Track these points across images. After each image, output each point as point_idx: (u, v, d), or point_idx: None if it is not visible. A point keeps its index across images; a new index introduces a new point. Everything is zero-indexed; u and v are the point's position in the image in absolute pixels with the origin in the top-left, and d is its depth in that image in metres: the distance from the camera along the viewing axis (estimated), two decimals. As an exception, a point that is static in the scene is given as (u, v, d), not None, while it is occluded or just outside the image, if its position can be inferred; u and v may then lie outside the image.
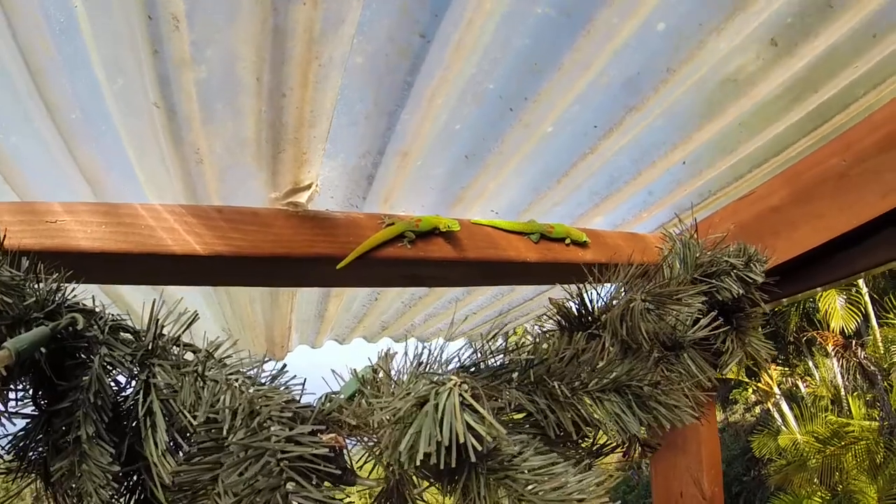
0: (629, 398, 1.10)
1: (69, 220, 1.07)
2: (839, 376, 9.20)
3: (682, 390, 1.16)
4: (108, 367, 0.92)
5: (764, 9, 1.03)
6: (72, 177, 1.15)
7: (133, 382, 0.94)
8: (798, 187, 1.42)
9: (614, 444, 1.20)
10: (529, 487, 0.89)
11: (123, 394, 0.94)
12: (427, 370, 0.92)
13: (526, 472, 0.91)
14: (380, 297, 1.91)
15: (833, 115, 1.33)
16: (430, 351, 0.95)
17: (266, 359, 0.94)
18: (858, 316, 8.69)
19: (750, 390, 9.55)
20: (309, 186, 1.23)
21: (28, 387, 0.90)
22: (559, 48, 0.99)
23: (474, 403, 0.79)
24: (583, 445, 1.18)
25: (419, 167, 1.25)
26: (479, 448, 0.79)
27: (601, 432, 1.16)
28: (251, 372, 0.95)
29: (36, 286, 0.91)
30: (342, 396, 1.00)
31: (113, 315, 0.97)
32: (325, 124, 1.08)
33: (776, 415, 9.31)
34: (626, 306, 1.14)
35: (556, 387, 1.07)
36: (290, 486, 0.79)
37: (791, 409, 9.12)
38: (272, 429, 0.84)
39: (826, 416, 8.48)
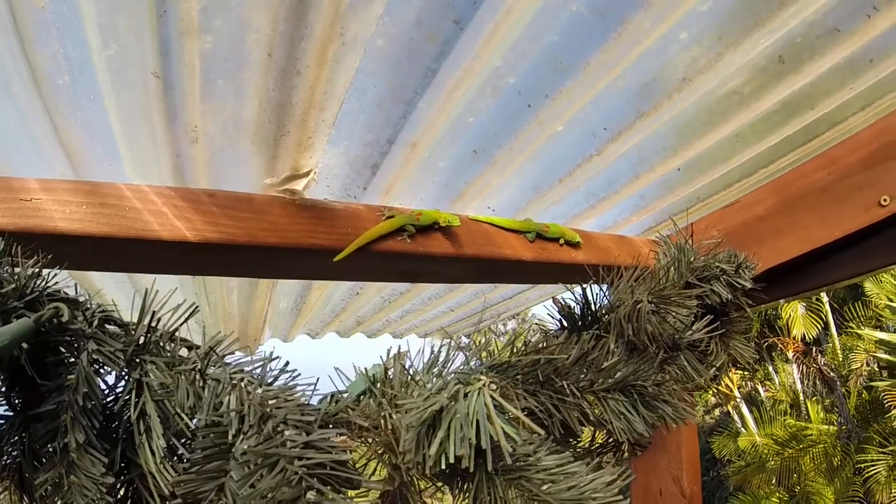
0: (634, 398, 1.11)
1: (46, 199, 0.96)
2: (798, 381, 9.46)
3: (684, 389, 1.18)
4: (95, 364, 0.83)
5: (780, 27, 1.06)
6: (50, 149, 1.03)
7: (123, 382, 0.85)
8: (784, 198, 1.48)
9: (605, 443, 1.21)
10: (544, 487, 0.88)
11: (113, 395, 0.85)
12: (441, 370, 0.88)
13: (540, 471, 0.89)
14: (361, 291, 1.86)
15: (823, 132, 1.38)
16: (435, 350, 0.92)
17: (274, 355, 0.88)
18: (819, 324, 8.94)
19: (710, 392, 9.87)
20: (307, 174, 1.16)
21: (1, 384, 0.80)
22: (587, 48, 0.98)
23: (505, 404, 0.76)
24: (579, 445, 1.18)
25: (425, 159, 1.20)
26: (511, 450, 0.76)
27: (598, 432, 1.17)
28: (256, 370, 0.89)
29: (12, 271, 0.81)
30: (348, 396, 0.95)
31: (100, 305, 0.88)
32: (334, 108, 1.02)
33: (736, 417, 9.49)
34: (633, 307, 1.15)
35: (565, 386, 1.06)
36: (310, 495, 0.73)
37: (751, 411, 9.32)
38: (286, 433, 0.78)
39: (785, 420, 8.69)
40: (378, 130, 1.10)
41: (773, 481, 8.10)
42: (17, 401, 0.81)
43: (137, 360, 0.87)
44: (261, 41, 0.90)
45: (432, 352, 0.95)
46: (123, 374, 0.86)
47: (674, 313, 1.23)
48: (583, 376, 1.09)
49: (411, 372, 0.93)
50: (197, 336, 1.55)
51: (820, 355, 9.19)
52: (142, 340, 0.87)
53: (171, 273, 1.22)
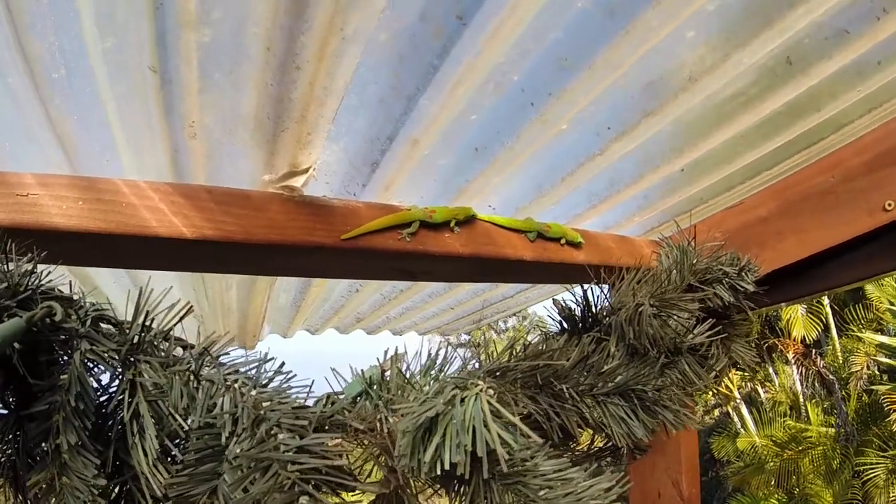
0: (634, 402, 1.10)
1: (43, 194, 0.95)
2: (798, 383, 9.40)
3: (685, 394, 1.17)
4: (89, 364, 0.81)
5: (789, 28, 1.04)
6: (46, 142, 1.02)
7: (116, 381, 0.84)
8: (787, 201, 1.46)
9: (603, 447, 1.20)
10: (542, 493, 0.86)
11: (106, 394, 0.84)
12: (438, 373, 0.87)
13: (538, 477, 0.88)
14: (361, 288, 1.84)
15: (827, 135, 1.36)
16: (433, 352, 0.90)
17: (269, 356, 0.87)
18: (819, 326, 8.87)
19: (710, 393, 9.85)
20: (306, 170, 1.15)
21: (-7, 383, 0.79)
22: (594, 46, 0.96)
23: (502, 410, 0.75)
24: (577, 449, 1.17)
25: (426, 156, 1.19)
26: (507, 457, 0.75)
27: (597, 435, 1.16)
28: (251, 371, 0.88)
29: (6, 268, 0.79)
30: (345, 397, 0.94)
31: (94, 304, 0.87)
32: (334, 103, 1.00)
33: (735, 418, 9.46)
34: (635, 310, 1.13)
35: (564, 390, 1.05)
36: (303, 500, 0.72)
37: (750, 412, 9.28)
38: (279, 437, 0.77)
39: (785, 421, 8.66)
40: (378, 127, 1.09)
41: (772, 483, 8.08)
42: (10, 399, 0.80)
43: (131, 360, 0.86)
44: (259, 35, 0.89)
45: (429, 354, 0.94)
46: (117, 373, 0.85)
47: (675, 317, 1.22)
48: (582, 380, 1.08)
49: (408, 375, 0.91)
50: (195, 334, 1.54)
51: (820, 357, 9.15)
52: (136, 340, 0.86)
53: (169, 269, 1.20)
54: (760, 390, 10.01)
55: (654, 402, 1.10)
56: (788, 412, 9.18)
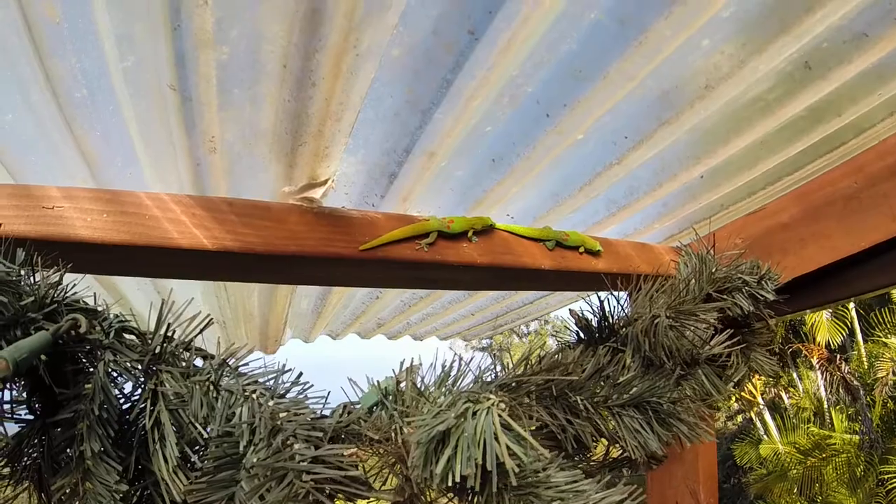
0: (649, 414, 1.09)
1: (68, 207, 0.99)
2: (822, 389, 9.22)
3: (699, 407, 1.16)
4: (112, 374, 0.84)
5: (806, 32, 1.02)
6: (70, 158, 1.06)
7: (139, 390, 0.87)
8: (808, 206, 1.43)
9: (618, 458, 1.18)
10: (553, 504, 0.87)
11: (128, 403, 0.86)
12: (454, 384, 0.88)
13: (550, 488, 0.88)
14: (381, 295, 1.86)
15: (849, 139, 1.33)
16: (449, 362, 0.91)
17: (286, 368, 0.89)
18: (844, 330, 8.70)
19: (733, 398, 9.70)
20: (325, 182, 1.17)
21: (23, 390, 0.82)
22: (607, 57, 0.96)
23: (513, 424, 0.75)
24: (593, 458, 1.16)
25: (443, 168, 1.20)
26: (517, 471, 0.75)
27: (612, 446, 1.15)
28: (269, 382, 0.89)
29: (32, 281, 0.83)
30: (360, 407, 0.95)
31: (118, 315, 0.90)
32: (350, 117, 1.02)
33: (758, 424, 9.34)
34: (651, 322, 1.12)
35: (579, 401, 1.05)
36: (318, 509, 0.74)
37: (773, 419, 9.15)
38: (296, 446, 0.78)
39: (808, 428, 8.50)
40: (395, 140, 1.10)
41: (795, 490, 7.89)
42: (36, 406, 0.83)
43: (153, 370, 0.88)
44: (275, 52, 0.91)
45: (444, 366, 0.94)
46: (140, 383, 0.88)
47: (692, 328, 1.20)
48: (598, 391, 1.08)
49: (422, 387, 0.92)
50: (217, 341, 1.57)
51: (844, 363, 8.91)
52: (158, 350, 0.89)
53: (191, 279, 1.24)
54: (784, 396, 9.80)
55: (669, 415, 1.09)
56: (812, 418, 8.97)
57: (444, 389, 0.91)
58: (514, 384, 1.05)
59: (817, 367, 9.14)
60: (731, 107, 1.20)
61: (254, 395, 0.85)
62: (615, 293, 1.33)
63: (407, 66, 0.95)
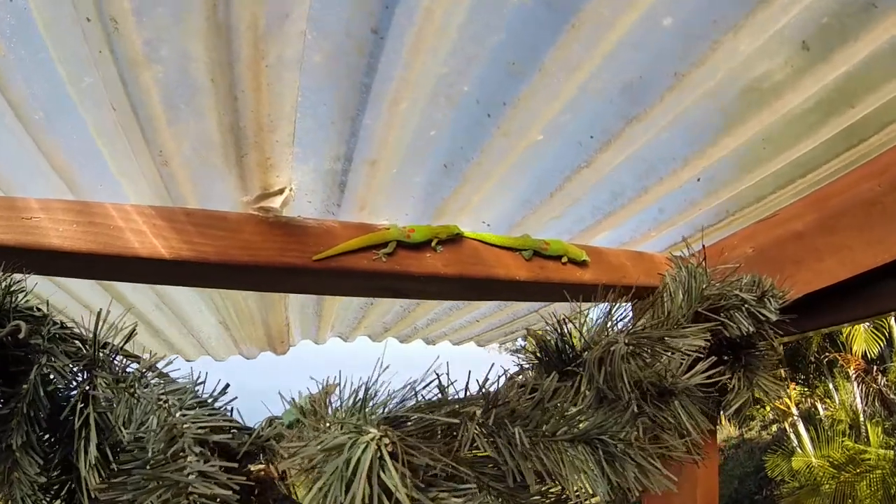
0: (600, 454, 0.99)
1: (44, 218, 1.07)
2: (859, 401, 8.71)
3: (675, 442, 1.04)
4: (47, 377, 0.90)
5: (792, 4, 0.88)
6: (46, 170, 1.14)
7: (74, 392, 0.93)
8: (825, 213, 1.26)
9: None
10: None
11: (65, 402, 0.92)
12: (360, 410, 0.84)
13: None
14: (375, 301, 1.87)
15: (869, 135, 1.16)
16: (369, 385, 0.88)
17: (200, 380, 0.91)
18: (882, 341, 8.19)
19: (768, 408, 9.16)
20: (282, 191, 1.18)
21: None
22: (539, 45, 0.88)
23: (389, 463, 0.71)
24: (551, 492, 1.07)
25: (395, 175, 1.17)
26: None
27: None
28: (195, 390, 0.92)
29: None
30: (283, 423, 0.95)
31: (60, 323, 0.96)
32: (287, 128, 1.02)
33: (792, 435, 8.93)
34: (607, 349, 1.02)
35: (517, 434, 0.96)
36: (197, 523, 0.75)
37: (808, 430, 8.74)
38: (189, 459, 0.80)
39: (843, 441, 8.06)
40: (336, 148, 1.09)
41: (827, 506, 7.31)
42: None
43: (89, 374, 0.94)
44: (201, 68, 0.93)
45: (366, 388, 0.91)
46: (77, 383, 0.94)
47: (666, 355, 1.08)
48: (543, 422, 0.99)
49: (332, 410, 0.90)
50: (226, 348, 1.61)
51: (881, 375, 8.08)
52: (94, 356, 0.94)
53: (154, 284, 1.30)
54: (819, 407, 9.09)
55: (621, 457, 0.98)
56: (847, 431, 8.30)
57: (353, 412, 0.88)
58: (453, 405, 1.00)
59: (854, 378, 8.54)
60: (714, 99, 1.08)
61: (166, 405, 0.88)
62: (600, 305, 1.25)
63: (331, 71, 0.94)
